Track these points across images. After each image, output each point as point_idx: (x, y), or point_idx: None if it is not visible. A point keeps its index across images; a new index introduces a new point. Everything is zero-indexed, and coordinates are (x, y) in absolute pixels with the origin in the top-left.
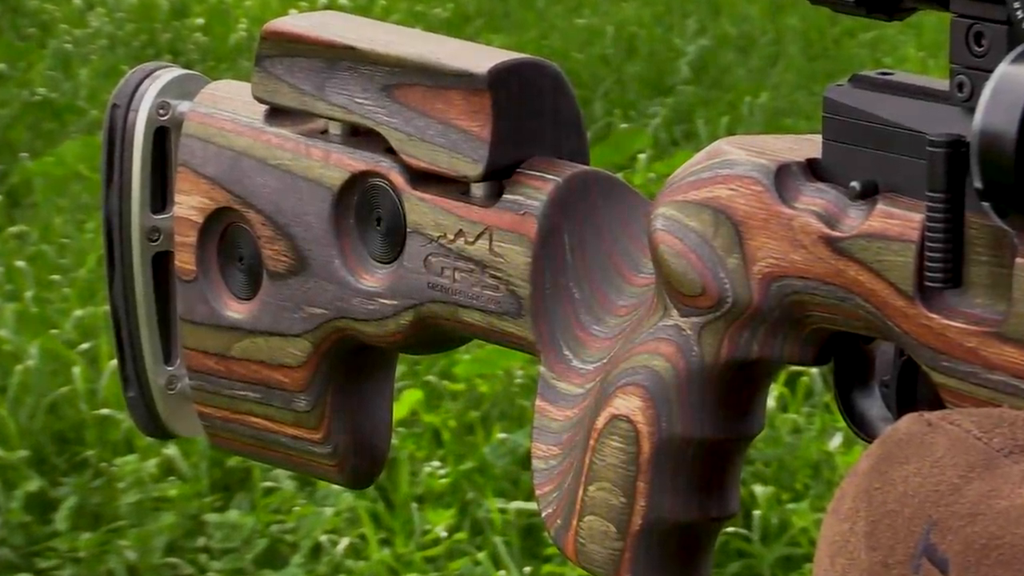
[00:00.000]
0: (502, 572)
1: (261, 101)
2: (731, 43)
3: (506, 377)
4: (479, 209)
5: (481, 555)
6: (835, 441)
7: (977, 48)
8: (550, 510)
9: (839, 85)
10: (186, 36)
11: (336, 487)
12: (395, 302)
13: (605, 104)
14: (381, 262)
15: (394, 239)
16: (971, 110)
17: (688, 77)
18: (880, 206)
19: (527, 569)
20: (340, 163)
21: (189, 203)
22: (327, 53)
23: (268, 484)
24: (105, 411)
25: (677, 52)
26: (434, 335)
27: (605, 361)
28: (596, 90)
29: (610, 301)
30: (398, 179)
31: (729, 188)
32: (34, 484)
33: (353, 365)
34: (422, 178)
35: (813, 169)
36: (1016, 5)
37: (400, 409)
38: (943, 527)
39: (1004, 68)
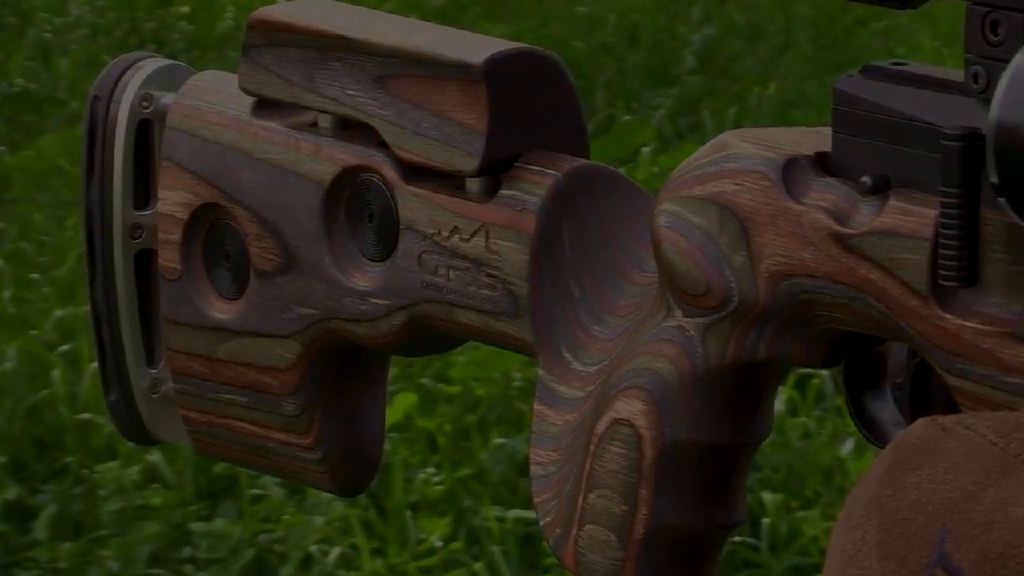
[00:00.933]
0: None
1: (248, 93)
2: (738, 32)
3: (503, 380)
4: (475, 205)
5: (478, 565)
6: (847, 446)
7: (993, 37)
8: (549, 518)
9: (850, 76)
10: (170, 25)
11: (327, 495)
12: (388, 302)
13: (607, 95)
14: (373, 260)
15: (386, 236)
16: (987, 102)
17: (693, 67)
18: (892, 202)
19: None
20: (330, 157)
21: (173, 199)
22: (317, 42)
23: (256, 491)
24: (86, 415)
25: (682, 41)
26: (428, 336)
27: (606, 363)
28: (597, 81)
29: (611, 300)
30: (391, 174)
31: (735, 183)
32: (12, 492)
33: (344, 367)
34: (416, 173)
35: (822, 163)
36: None
37: (393, 413)
38: (958, 536)
39: (1021, 58)
